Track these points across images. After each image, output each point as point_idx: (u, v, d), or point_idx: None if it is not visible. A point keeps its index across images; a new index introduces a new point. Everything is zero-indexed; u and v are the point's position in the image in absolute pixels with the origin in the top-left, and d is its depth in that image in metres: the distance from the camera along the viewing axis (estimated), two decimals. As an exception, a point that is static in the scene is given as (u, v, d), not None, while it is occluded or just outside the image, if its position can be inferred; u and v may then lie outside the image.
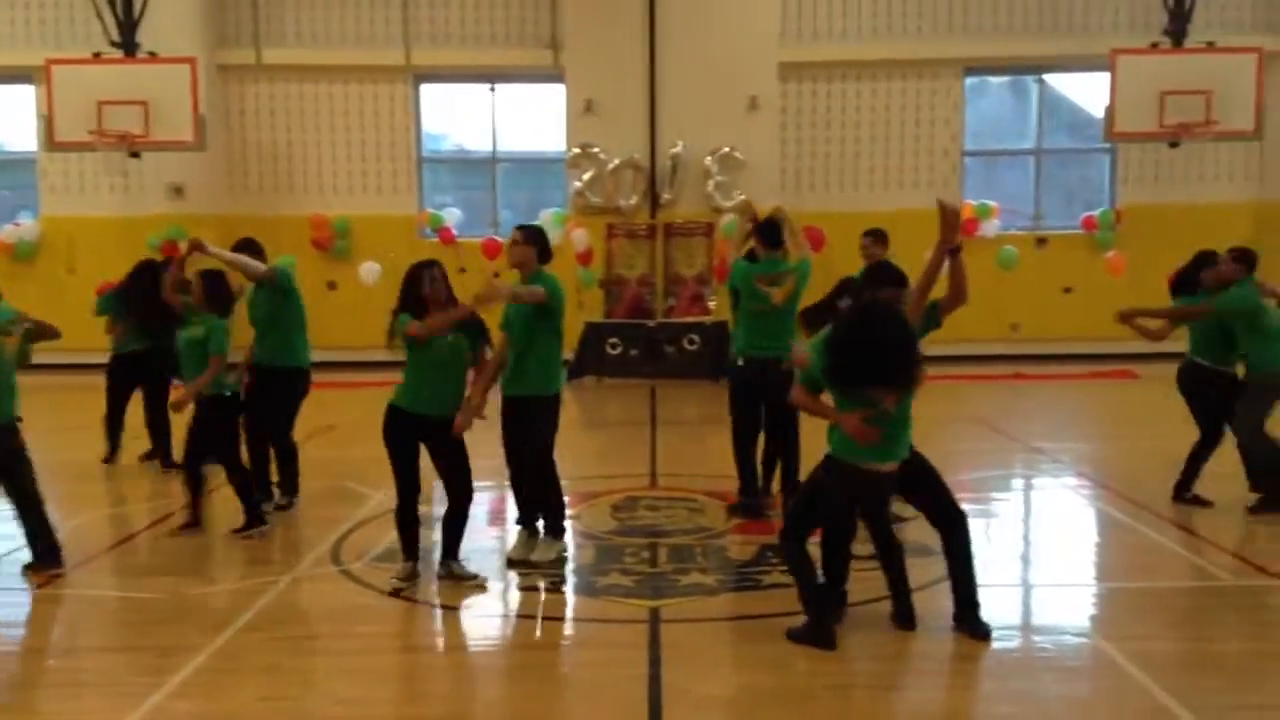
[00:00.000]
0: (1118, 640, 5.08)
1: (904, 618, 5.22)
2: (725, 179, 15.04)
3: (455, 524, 6.02)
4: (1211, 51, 13.81)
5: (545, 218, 15.50)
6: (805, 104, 15.96)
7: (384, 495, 7.95)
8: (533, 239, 6.35)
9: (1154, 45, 14.01)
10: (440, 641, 5.51)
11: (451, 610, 5.68)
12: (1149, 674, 4.63)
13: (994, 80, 16.96)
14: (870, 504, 5.19)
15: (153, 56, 13.91)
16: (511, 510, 6.71)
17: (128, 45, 14.02)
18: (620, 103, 15.16)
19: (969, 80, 16.22)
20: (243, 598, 5.81)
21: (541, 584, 6.06)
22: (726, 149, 15.02)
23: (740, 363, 7.28)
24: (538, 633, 5.43)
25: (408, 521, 6.00)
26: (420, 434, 5.87)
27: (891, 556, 5.25)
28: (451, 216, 16.00)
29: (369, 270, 14.49)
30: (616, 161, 15.12)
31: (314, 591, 6.03)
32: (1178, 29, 14.12)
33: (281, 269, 7.52)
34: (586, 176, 15.20)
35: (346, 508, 7.69)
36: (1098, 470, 8.98)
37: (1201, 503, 7.36)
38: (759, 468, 7.49)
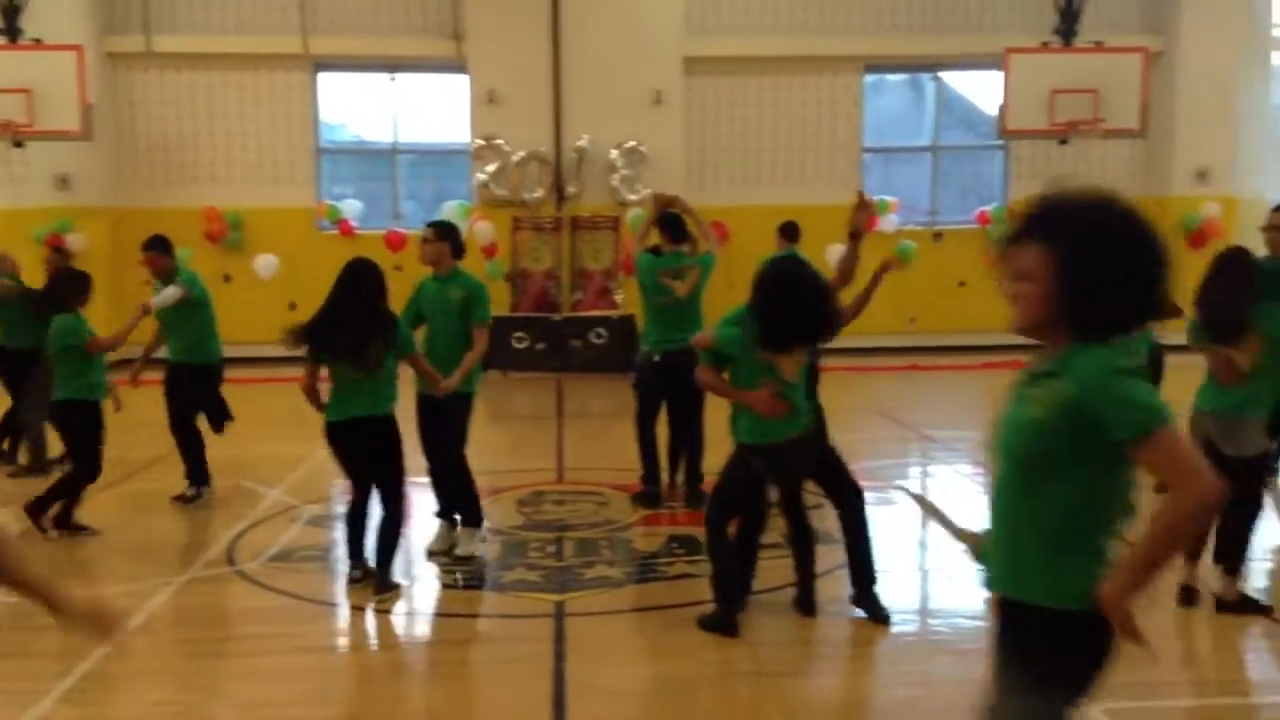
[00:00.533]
0: (1009, 622, 5.24)
1: (806, 605, 5.30)
2: (631, 173, 15.08)
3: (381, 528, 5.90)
4: (1099, 51, 14.29)
5: (449, 210, 15.34)
6: (709, 98, 16.07)
7: (280, 494, 7.82)
8: (446, 235, 6.32)
9: (1045, 45, 14.43)
10: (342, 641, 5.42)
11: (353, 609, 5.59)
12: (1038, 654, 4.77)
13: (892, 78, 17.30)
14: (793, 477, 5.20)
15: (38, 43, 13.38)
16: (420, 507, 6.65)
17: (11, 31, 13.46)
18: (524, 94, 15.08)
19: (868, 77, 16.51)
20: (134, 600, 5.62)
21: (446, 580, 6.01)
22: (632, 143, 15.06)
23: (657, 359, 7.31)
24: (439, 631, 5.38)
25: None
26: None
27: (804, 542, 5.32)
28: (351, 208, 15.70)
29: (265, 264, 14.17)
30: (521, 154, 15.04)
31: (208, 593, 5.88)
32: (1067, 29, 14.57)
33: (193, 285, 7.52)
34: (491, 169, 15.09)
35: (241, 506, 7.51)
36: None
37: None
38: (664, 460, 7.56)
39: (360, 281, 5.62)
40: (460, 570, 6.12)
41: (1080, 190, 2.44)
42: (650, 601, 5.64)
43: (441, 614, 5.69)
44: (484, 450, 6.68)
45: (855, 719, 4.42)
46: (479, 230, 14.53)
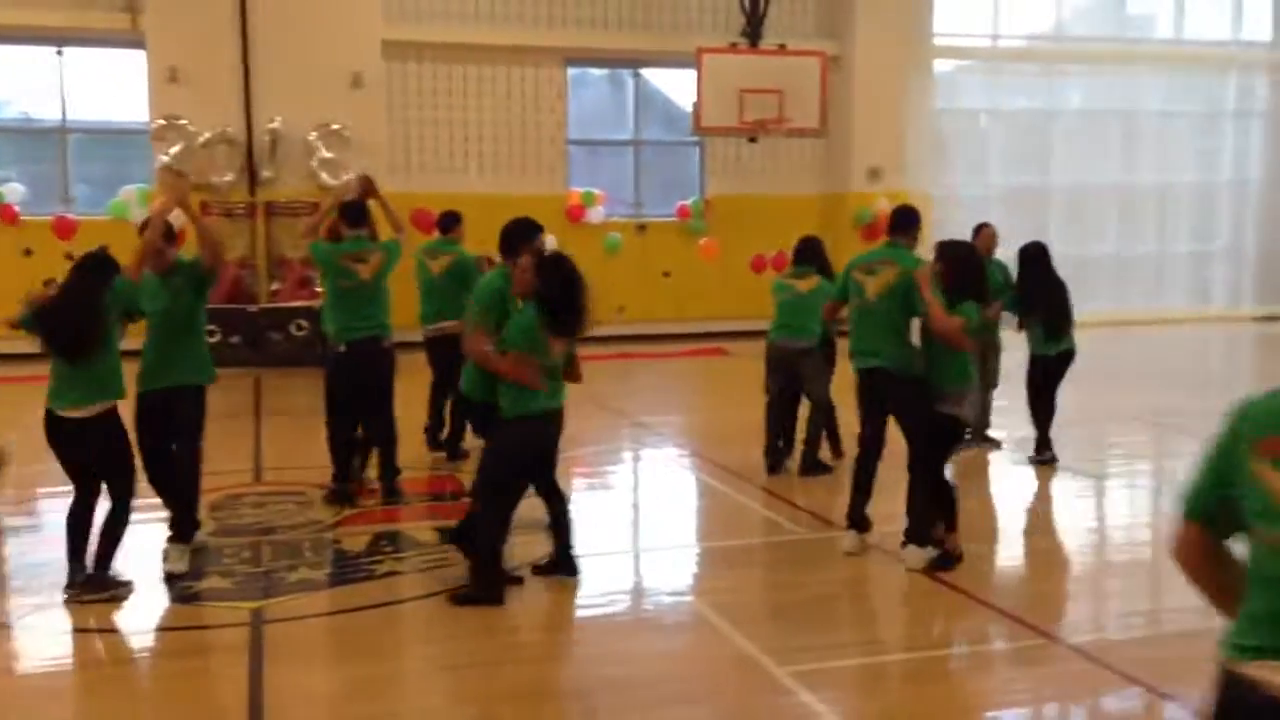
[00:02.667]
0: (708, 595, 5.50)
1: (570, 568, 5.51)
2: (332, 156, 14.55)
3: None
4: (782, 54, 15.18)
5: (128, 194, 14.25)
6: (412, 84, 15.76)
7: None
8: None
9: (733, 46, 15.16)
10: (11, 665, 4.89)
11: (10, 629, 5.08)
12: (733, 625, 5.03)
13: (595, 72, 17.65)
14: (547, 453, 5.41)
15: None
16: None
17: None
18: (210, 72, 14.19)
19: (571, 71, 16.75)
20: None
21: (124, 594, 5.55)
22: (335, 126, 14.54)
23: (341, 349, 7.08)
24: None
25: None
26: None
27: (564, 513, 5.54)
28: (13, 192, 14.23)
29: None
30: (207, 135, 14.16)
31: None
32: (753, 31, 15.37)
33: None
34: (174, 150, 14.09)
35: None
36: (693, 440, 9.66)
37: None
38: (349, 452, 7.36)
39: (80, 274, 5.39)
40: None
41: None
42: (357, 602, 5.46)
43: (123, 630, 5.26)
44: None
45: (563, 700, 4.47)
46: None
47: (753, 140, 15.45)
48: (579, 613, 5.43)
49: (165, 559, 5.80)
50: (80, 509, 5.44)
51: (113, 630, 5.24)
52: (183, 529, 5.90)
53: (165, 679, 4.74)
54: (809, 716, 4.15)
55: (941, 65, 18.22)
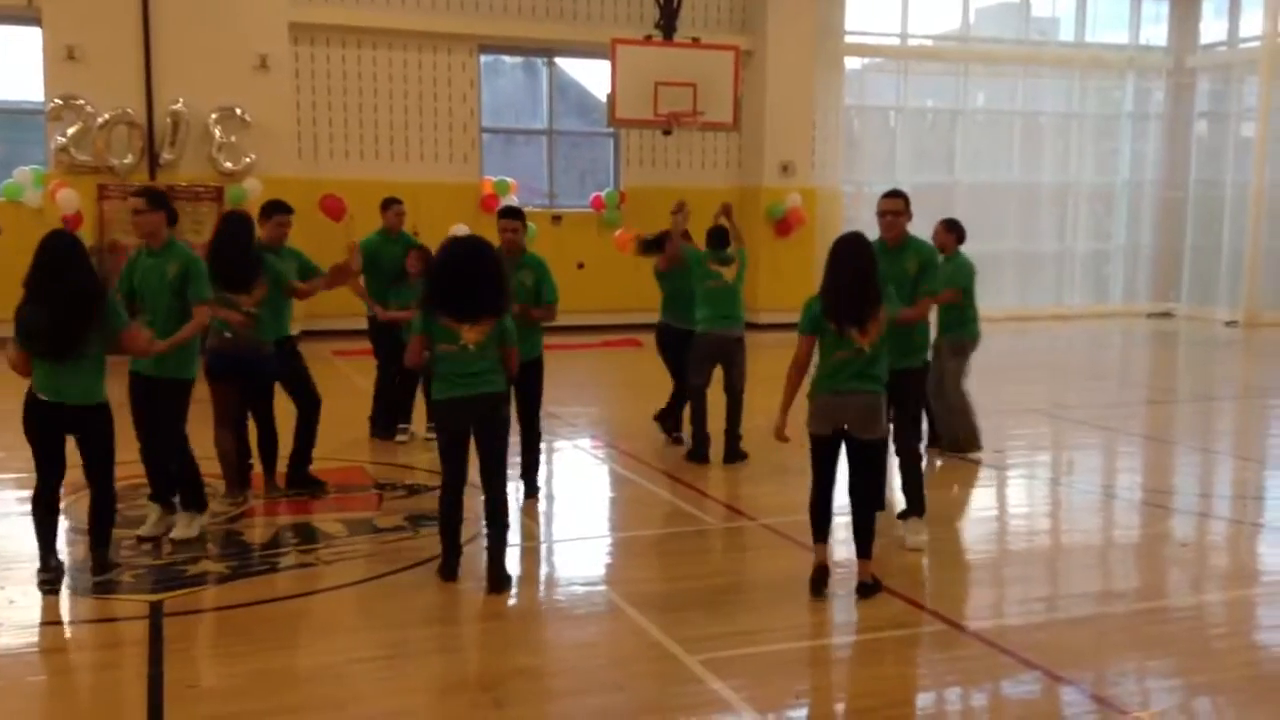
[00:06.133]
0: (620, 585, 5.52)
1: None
2: (234, 141, 14.20)
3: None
4: (696, 47, 15.23)
5: (22, 176, 13.76)
6: (320, 68, 15.46)
7: None
8: (160, 203, 6.06)
9: (647, 38, 15.17)
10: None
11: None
12: (644, 614, 5.05)
13: (508, 60, 17.50)
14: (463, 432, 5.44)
15: None
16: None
17: None
18: (110, 51, 13.73)
19: (484, 58, 16.59)
20: None
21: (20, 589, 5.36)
22: (237, 110, 14.19)
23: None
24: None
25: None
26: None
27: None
28: (-102, 172, 13.63)
29: None
30: (106, 116, 13.70)
31: None
32: (667, 23, 15.40)
33: None
34: (71, 131, 13.63)
35: None
36: (608, 431, 9.66)
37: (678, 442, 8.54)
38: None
39: (58, 259, 5.19)
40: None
41: None
42: (260, 595, 5.35)
43: (15, 625, 5.06)
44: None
45: (474, 691, 4.43)
46: (62, 199, 13.15)
47: (667, 133, 15.49)
48: (496, 604, 5.39)
49: (175, 526, 6.04)
50: (47, 495, 5.34)
51: (3, 625, 5.05)
52: (189, 499, 6.12)
53: (60, 674, 4.58)
54: (718, 703, 4.19)
55: (851, 62, 18.49)
